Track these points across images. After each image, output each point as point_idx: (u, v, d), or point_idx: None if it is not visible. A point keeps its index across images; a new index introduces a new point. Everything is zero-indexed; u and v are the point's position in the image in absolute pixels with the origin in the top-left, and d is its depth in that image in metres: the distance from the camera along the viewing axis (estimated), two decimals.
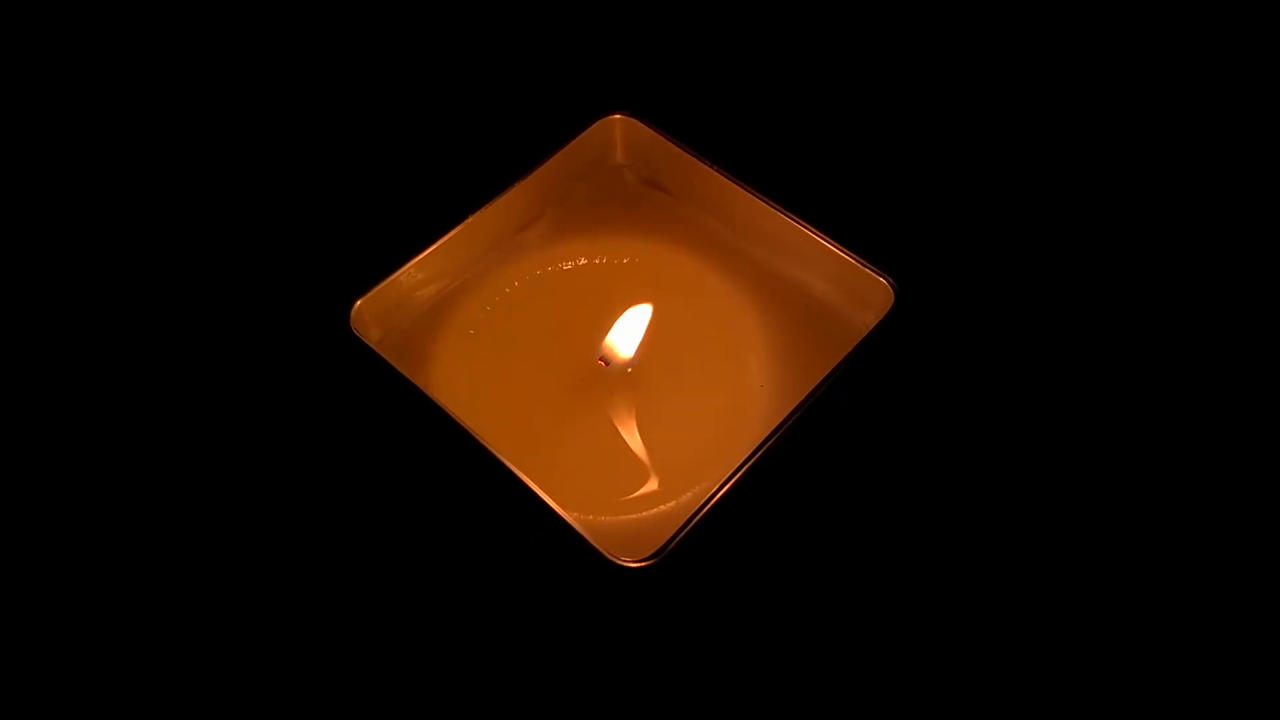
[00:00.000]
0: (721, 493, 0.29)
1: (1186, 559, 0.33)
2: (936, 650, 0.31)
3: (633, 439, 0.34)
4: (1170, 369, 0.37)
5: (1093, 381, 0.37)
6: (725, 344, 0.35)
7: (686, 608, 0.32)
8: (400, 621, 0.32)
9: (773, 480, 0.32)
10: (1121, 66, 0.46)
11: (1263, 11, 0.46)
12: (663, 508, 0.32)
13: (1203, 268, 0.40)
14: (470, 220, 0.36)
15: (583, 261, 0.38)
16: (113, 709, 0.31)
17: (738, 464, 0.30)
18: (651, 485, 0.32)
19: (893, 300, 0.33)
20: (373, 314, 0.35)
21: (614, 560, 0.28)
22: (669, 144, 0.38)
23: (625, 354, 0.34)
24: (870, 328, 0.33)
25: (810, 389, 0.31)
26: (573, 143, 0.38)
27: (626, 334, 0.34)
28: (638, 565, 0.28)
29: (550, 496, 0.29)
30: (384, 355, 0.32)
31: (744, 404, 0.34)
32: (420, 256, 0.35)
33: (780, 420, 0.31)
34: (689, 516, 0.29)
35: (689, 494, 0.32)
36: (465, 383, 0.35)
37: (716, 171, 0.37)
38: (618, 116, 0.39)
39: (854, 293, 0.35)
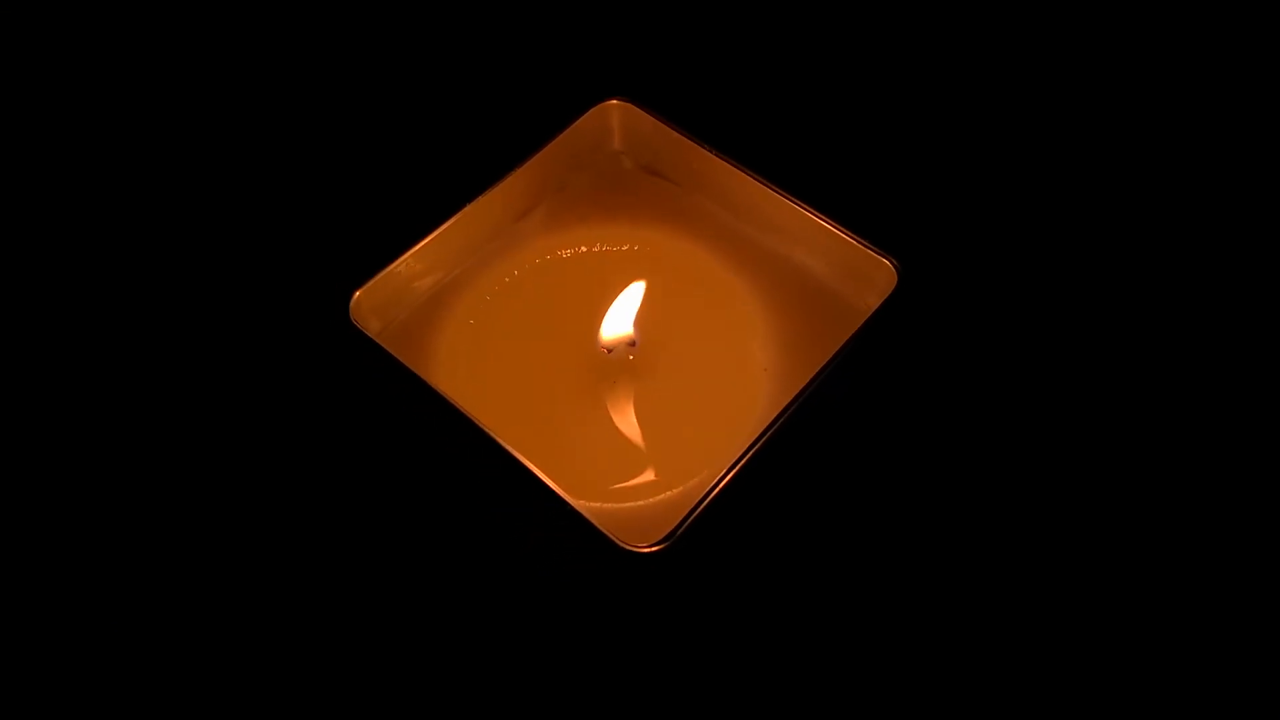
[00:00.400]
0: (729, 477, 0.29)
1: (1188, 546, 0.33)
2: (943, 633, 0.31)
3: (636, 426, 0.33)
4: (1174, 351, 0.37)
5: (1098, 358, 0.37)
6: (728, 329, 0.35)
7: (696, 592, 0.32)
8: (403, 616, 0.32)
9: (778, 464, 0.31)
10: (1127, 45, 0.45)
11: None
12: (668, 494, 0.32)
13: (1205, 245, 0.40)
14: (467, 209, 0.36)
15: (582, 249, 0.37)
16: (106, 703, 0.30)
17: (742, 449, 0.30)
18: (656, 472, 0.32)
19: (896, 281, 0.33)
20: (372, 305, 0.34)
21: (624, 546, 0.28)
22: (667, 129, 0.38)
23: (625, 330, 0.34)
24: (874, 309, 0.33)
25: (814, 372, 0.31)
26: (569, 129, 0.38)
27: (622, 314, 0.34)
28: (649, 550, 0.27)
29: (556, 484, 0.29)
30: (384, 346, 0.32)
31: (747, 389, 0.34)
32: (418, 246, 0.35)
33: (785, 404, 0.31)
34: (697, 501, 0.29)
35: (694, 480, 0.32)
36: (466, 373, 0.34)
37: (715, 155, 0.37)
38: (614, 102, 0.39)
39: (857, 274, 0.35)
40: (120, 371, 0.37)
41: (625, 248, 0.37)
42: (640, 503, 0.32)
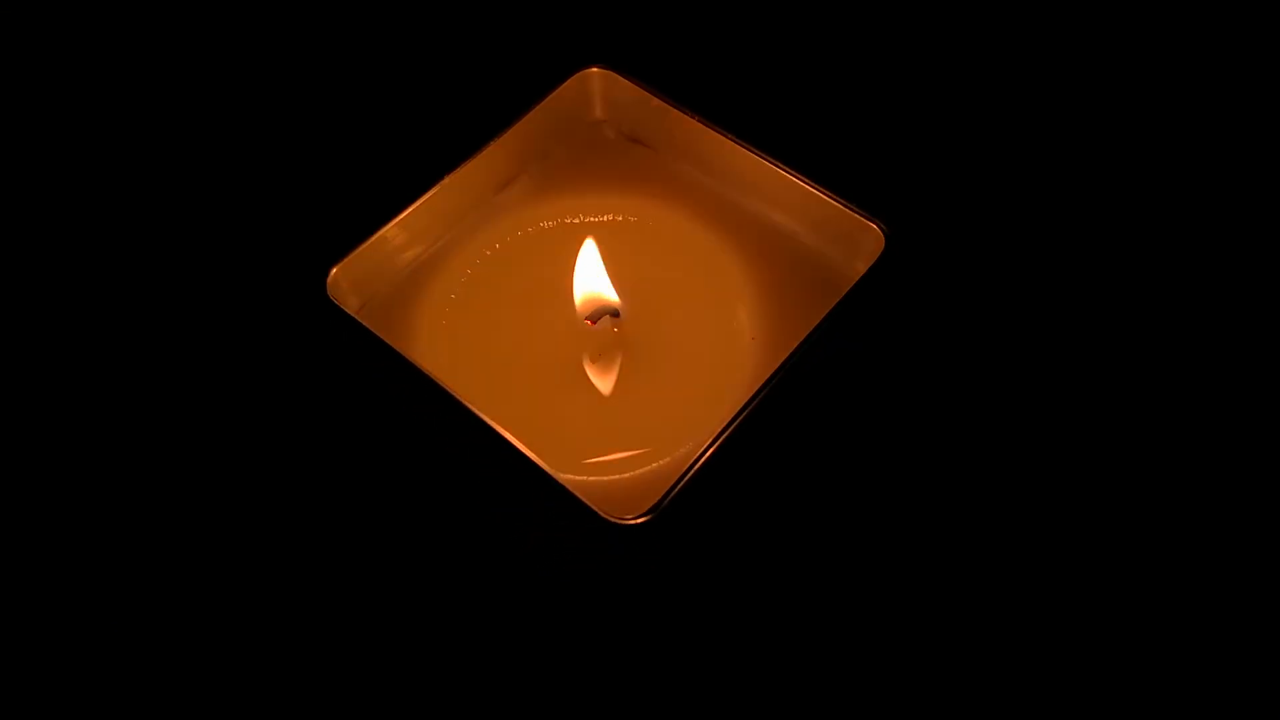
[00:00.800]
0: (714, 447, 0.29)
1: (1175, 517, 0.33)
2: (931, 604, 0.31)
3: (623, 397, 0.33)
4: (1162, 314, 0.37)
5: (1086, 319, 0.36)
6: (714, 297, 0.35)
7: (685, 563, 0.31)
8: (399, 615, 0.31)
9: (766, 432, 0.31)
10: (1115, 15, 0.45)
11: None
12: (657, 464, 0.31)
13: (1193, 212, 0.39)
14: (447, 180, 0.35)
15: (565, 220, 0.37)
16: (96, 703, 0.30)
17: (730, 417, 0.29)
18: (644, 443, 0.32)
19: (883, 245, 0.33)
20: (350, 281, 0.34)
21: (610, 519, 0.27)
22: (649, 96, 0.37)
23: (598, 296, 0.33)
24: (861, 274, 0.32)
25: (800, 339, 0.31)
26: (549, 98, 0.37)
27: (589, 281, 0.34)
28: (634, 522, 0.27)
29: (542, 459, 0.28)
30: (364, 323, 0.31)
31: (735, 357, 0.33)
32: (398, 219, 0.34)
33: (771, 372, 0.30)
34: (681, 473, 0.28)
35: (683, 450, 0.31)
36: (448, 349, 0.34)
37: (699, 122, 0.36)
38: (595, 70, 0.38)
39: (843, 239, 0.34)
40: (87, 360, 0.36)
41: (609, 217, 0.37)
42: (628, 474, 0.31)
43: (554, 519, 0.30)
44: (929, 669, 0.30)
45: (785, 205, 0.36)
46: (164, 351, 0.36)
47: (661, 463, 0.31)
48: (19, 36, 0.45)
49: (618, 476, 0.31)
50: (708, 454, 0.29)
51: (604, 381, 0.33)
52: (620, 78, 0.38)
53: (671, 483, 0.28)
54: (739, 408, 0.30)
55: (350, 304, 0.34)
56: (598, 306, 0.33)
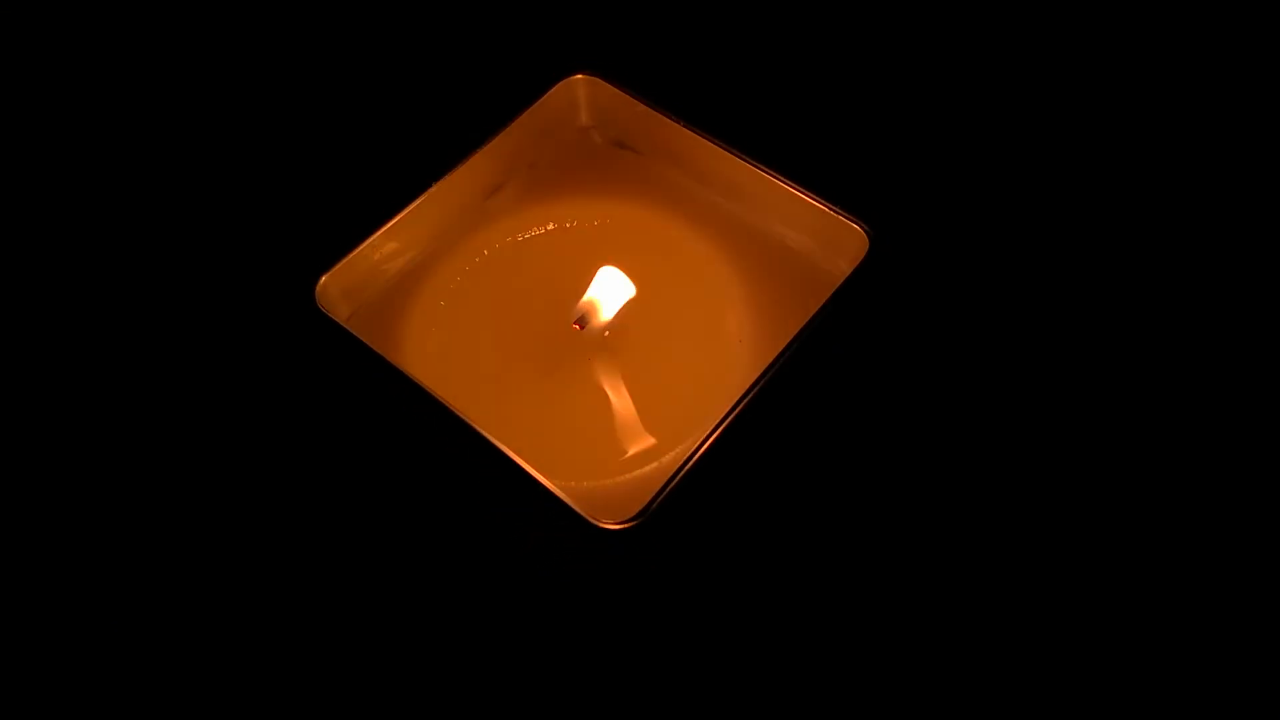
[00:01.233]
0: (702, 451, 0.29)
1: (1163, 508, 0.33)
2: (923, 601, 0.31)
3: (613, 402, 0.33)
4: (1146, 315, 0.37)
5: (1071, 316, 0.36)
6: (702, 301, 0.35)
7: (681, 565, 0.31)
8: (398, 616, 0.31)
9: (755, 435, 0.31)
10: (1100, 14, 0.45)
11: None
12: (647, 469, 0.31)
13: (1178, 208, 0.39)
14: (435, 188, 0.35)
15: (553, 226, 0.37)
16: (90, 706, 0.30)
17: (719, 420, 0.29)
18: (634, 447, 0.32)
19: (868, 247, 0.33)
20: (339, 289, 0.34)
21: (595, 523, 0.27)
22: (635, 102, 0.37)
23: (605, 317, 0.34)
24: (846, 275, 0.33)
25: (788, 340, 0.31)
26: (536, 105, 0.37)
27: (603, 296, 0.34)
28: (619, 527, 0.27)
29: (532, 465, 0.29)
30: (353, 332, 0.32)
31: (723, 360, 0.34)
32: (386, 227, 0.34)
33: (759, 373, 0.30)
34: (669, 477, 0.28)
35: (672, 454, 0.31)
36: (438, 356, 0.34)
37: (684, 127, 0.36)
38: (580, 77, 0.38)
39: (829, 241, 0.35)
40: (81, 368, 0.36)
41: (596, 223, 0.37)
42: (618, 479, 0.32)
43: (554, 519, 0.30)
44: (918, 666, 0.30)
45: (770, 208, 0.36)
46: (156, 361, 0.36)
47: (652, 466, 0.32)
48: (19, 39, 0.45)
49: (608, 481, 0.32)
50: (696, 456, 0.29)
51: (594, 386, 0.33)
52: (606, 84, 0.38)
53: (660, 486, 0.28)
54: (728, 410, 0.30)
55: (340, 312, 0.34)
56: (586, 313, 0.33)
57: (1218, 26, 0.44)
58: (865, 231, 0.33)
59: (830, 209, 0.34)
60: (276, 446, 0.34)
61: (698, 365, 0.34)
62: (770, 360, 0.31)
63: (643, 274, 0.35)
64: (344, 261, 0.33)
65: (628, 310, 0.34)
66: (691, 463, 0.29)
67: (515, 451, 0.29)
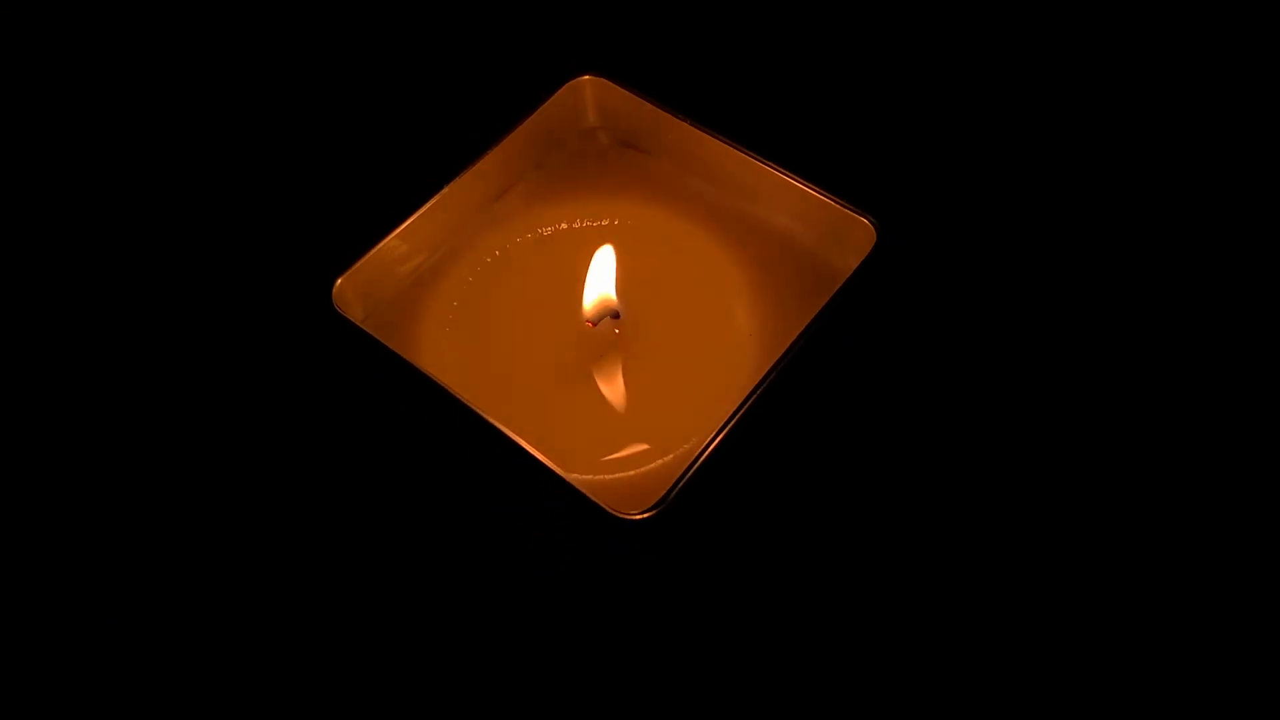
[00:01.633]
0: (717, 441, 0.29)
1: (1167, 506, 0.33)
2: (935, 595, 0.32)
3: (624, 397, 0.34)
4: (1154, 309, 0.37)
5: (1080, 306, 0.37)
6: (711, 297, 0.35)
7: (689, 559, 0.32)
8: (399, 616, 0.32)
9: (766, 427, 0.32)
10: (1111, 7, 0.45)
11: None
12: (660, 462, 0.32)
13: (1183, 208, 0.40)
14: (446, 190, 0.36)
15: (563, 226, 0.37)
16: (90, 703, 0.31)
17: (730, 413, 0.30)
18: (647, 442, 0.32)
19: (875, 239, 0.33)
20: (354, 291, 0.34)
21: (616, 514, 0.28)
22: (641, 101, 0.38)
23: (607, 297, 0.34)
24: (854, 268, 0.33)
25: (797, 334, 0.31)
26: (543, 107, 0.38)
27: (600, 282, 0.34)
28: (640, 517, 0.28)
29: (547, 458, 0.29)
30: (369, 332, 0.32)
31: (733, 355, 0.34)
32: (399, 230, 0.35)
33: (769, 367, 0.31)
34: (686, 467, 0.29)
35: (685, 447, 0.32)
36: (453, 355, 0.34)
37: (690, 125, 0.37)
38: (586, 78, 0.39)
39: (836, 235, 0.35)
40: (96, 370, 0.37)
41: (605, 222, 0.37)
42: (631, 473, 0.32)
43: (554, 519, 0.31)
44: (930, 662, 0.31)
45: (777, 203, 0.36)
46: (177, 363, 0.37)
47: (664, 460, 0.32)
48: (33, 42, 0.46)
49: (621, 475, 0.32)
50: (711, 448, 0.29)
51: (606, 382, 0.34)
52: (612, 84, 0.38)
53: (674, 479, 0.29)
54: (739, 403, 0.30)
55: (355, 314, 0.34)
56: (602, 308, 0.34)
57: (1219, 20, 0.44)
58: (872, 224, 0.34)
59: (837, 202, 0.34)
60: (295, 443, 0.35)
61: (708, 360, 0.34)
62: (780, 354, 0.31)
63: (652, 271, 0.36)
64: (358, 264, 0.34)
65: (638, 307, 0.34)
66: (708, 453, 0.29)
67: (530, 444, 0.29)
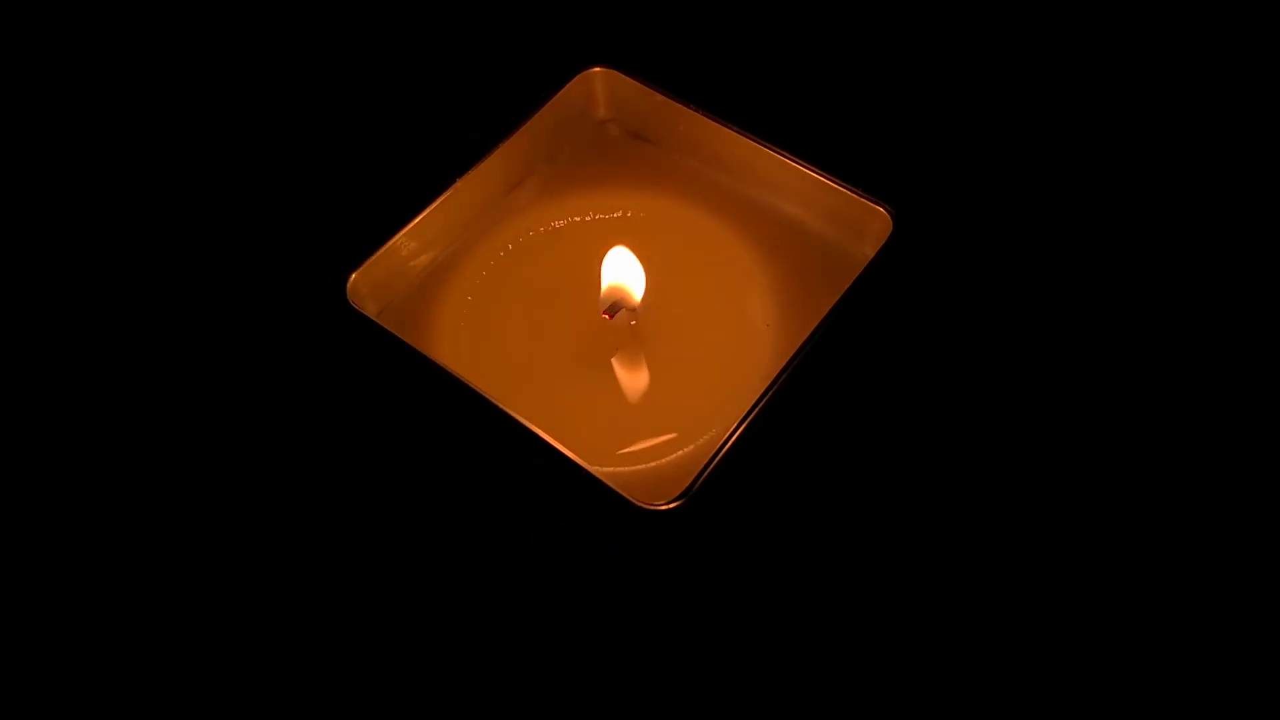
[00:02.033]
0: (739, 431, 0.29)
1: (1181, 503, 0.33)
2: (955, 586, 0.32)
3: (643, 389, 0.34)
4: (1168, 298, 0.37)
5: (1097, 295, 0.37)
6: (727, 288, 0.35)
7: (716, 548, 0.32)
8: (402, 615, 0.31)
9: (786, 418, 0.32)
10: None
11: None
12: (680, 454, 0.32)
13: (1196, 198, 0.40)
14: (458, 184, 0.35)
15: (575, 219, 0.37)
16: (99, 702, 0.30)
17: (750, 405, 0.30)
18: (666, 433, 0.32)
19: (891, 228, 0.33)
20: (369, 286, 0.34)
21: (641, 505, 0.28)
22: (651, 92, 0.38)
23: (625, 290, 0.34)
24: (870, 258, 0.33)
25: (815, 324, 0.31)
26: (554, 99, 0.38)
27: (625, 278, 0.34)
28: (667, 508, 0.28)
29: (569, 450, 0.29)
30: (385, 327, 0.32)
31: (751, 345, 0.34)
32: (412, 224, 0.35)
33: (789, 358, 0.31)
34: (710, 457, 0.29)
35: (705, 438, 0.32)
36: (468, 349, 0.34)
37: (702, 115, 0.37)
38: (597, 70, 0.39)
39: (852, 224, 0.35)
40: (114, 364, 0.36)
41: (619, 214, 0.37)
42: (652, 464, 0.32)
43: (554, 519, 0.31)
44: (946, 658, 0.30)
45: (792, 193, 0.36)
46: (193, 360, 0.37)
47: (684, 451, 0.32)
48: (53, 43, 0.45)
49: (642, 466, 0.32)
50: (734, 437, 0.29)
51: (624, 375, 0.34)
52: (623, 76, 0.38)
53: (694, 471, 0.29)
54: (758, 394, 0.30)
55: (370, 308, 0.34)
56: (617, 300, 0.34)
57: (1221, 16, 0.44)
58: (888, 213, 0.33)
59: (852, 191, 0.34)
60: (310, 440, 0.34)
61: (725, 351, 0.34)
62: (798, 345, 0.31)
63: (666, 263, 0.35)
64: (372, 259, 0.34)
65: (654, 299, 0.34)
66: (731, 443, 0.29)
67: (552, 438, 0.29)
